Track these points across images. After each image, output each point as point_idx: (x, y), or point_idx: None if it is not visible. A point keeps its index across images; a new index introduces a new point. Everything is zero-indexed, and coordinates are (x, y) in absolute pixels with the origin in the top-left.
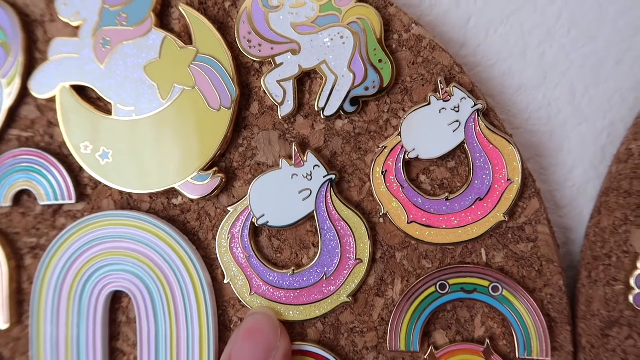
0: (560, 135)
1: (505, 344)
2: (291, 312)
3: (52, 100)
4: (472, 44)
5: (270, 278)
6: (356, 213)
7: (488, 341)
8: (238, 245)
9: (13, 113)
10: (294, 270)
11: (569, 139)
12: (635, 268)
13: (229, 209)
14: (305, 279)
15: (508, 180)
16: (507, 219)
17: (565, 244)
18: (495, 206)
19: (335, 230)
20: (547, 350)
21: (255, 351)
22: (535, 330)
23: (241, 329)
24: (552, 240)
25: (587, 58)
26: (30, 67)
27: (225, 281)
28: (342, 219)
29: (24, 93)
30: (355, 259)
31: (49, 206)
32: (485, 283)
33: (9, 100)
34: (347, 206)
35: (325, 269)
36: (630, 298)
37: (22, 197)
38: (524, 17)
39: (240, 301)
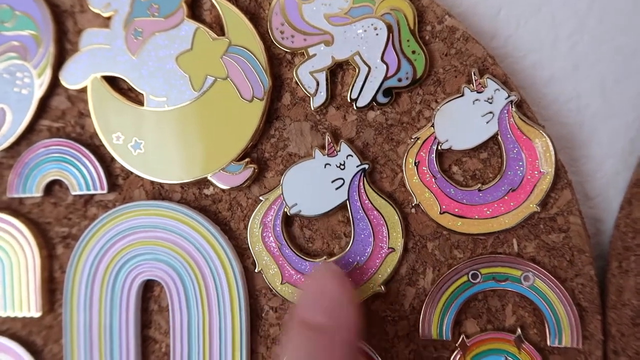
0: (590, 127)
1: (536, 333)
2: None
3: (83, 90)
4: (503, 35)
5: (302, 267)
6: (389, 202)
7: (519, 330)
8: (270, 235)
9: (44, 103)
10: (325, 259)
11: (598, 131)
12: None
13: (261, 198)
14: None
15: (541, 171)
16: (539, 210)
17: (594, 234)
18: (528, 197)
19: (368, 219)
20: (578, 338)
21: (323, 303)
22: (567, 319)
23: (306, 285)
24: (584, 230)
25: (618, 50)
26: (61, 57)
27: (257, 270)
28: (375, 208)
29: (54, 84)
30: (388, 248)
31: (81, 196)
32: (517, 272)
33: (40, 91)
34: (380, 195)
35: (358, 257)
36: None
37: (53, 187)
38: (555, 8)
39: (272, 290)
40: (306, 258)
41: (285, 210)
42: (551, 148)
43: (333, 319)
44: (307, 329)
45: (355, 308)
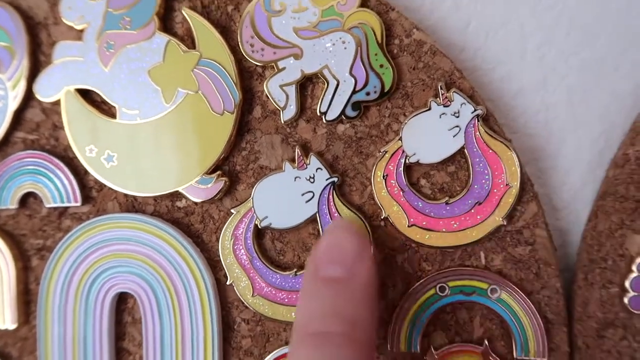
0: (558, 139)
1: (503, 345)
2: (293, 314)
3: (57, 103)
4: (472, 47)
5: (273, 280)
6: (358, 215)
7: (486, 342)
8: (241, 247)
9: (18, 116)
10: (296, 272)
11: (566, 143)
12: (630, 271)
13: (232, 210)
14: None
15: (507, 184)
16: (505, 223)
17: (561, 246)
18: (494, 210)
19: None
20: (544, 351)
21: (341, 257)
22: (533, 331)
23: (321, 242)
24: (550, 243)
25: (585, 63)
26: (35, 70)
27: (228, 282)
28: None
29: (29, 96)
30: None
31: (55, 208)
32: (484, 285)
33: (14, 103)
34: (349, 208)
35: None
36: (625, 300)
37: (28, 200)
38: (524, 20)
39: (244, 302)
40: (277, 271)
41: (257, 222)
42: (516, 162)
43: (350, 271)
44: (323, 281)
45: (373, 262)
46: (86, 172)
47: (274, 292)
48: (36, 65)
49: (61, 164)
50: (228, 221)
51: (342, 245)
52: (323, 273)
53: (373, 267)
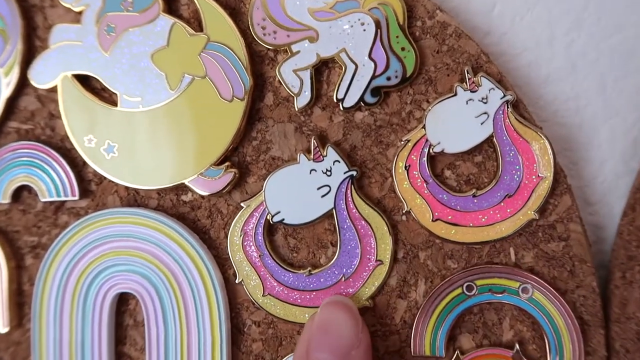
0: (590, 129)
1: (534, 348)
2: (306, 315)
3: (54, 90)
4: (497, 32)
5: (285, 278)
6: (378, 212)
7: (517, 345)
8: (251, 243)
9: (12, 104)
10: (310, 270)
11: (598, 133)
12: None
13: (242, 204)
14: (322, 280)
15: (539, 175)
16: (537, 217)
17: (595, 242)
18: (526, 203)
19: (355, 229)
20: (580, 354)
21: (335, 343)
22: (568, 333)
23: (317, 320)
24: (585, 239)
25: (616, 48)
26: (29, 55)
27: (237, 281)
28: (363, 217)
29: (23, 83)
30: (376, 261)
31: (51, 203)
32: (515, 284)
33: (7, 91)
34: (368, 204)
35: (344, 270)
36: None
37: (22, 194)
38: (551, 4)
39: (254, 303)
40: (289, 269)
41: (268, 218)
42: (549, 151)
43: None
44: None
45: (368, 347)
46: (84, 164)
47: (285, 291)
48: (31, 50)
49: (57, 156)
50: (237, 216)
51: (338, 329)
52: (315, 358)
53: (368, 352)
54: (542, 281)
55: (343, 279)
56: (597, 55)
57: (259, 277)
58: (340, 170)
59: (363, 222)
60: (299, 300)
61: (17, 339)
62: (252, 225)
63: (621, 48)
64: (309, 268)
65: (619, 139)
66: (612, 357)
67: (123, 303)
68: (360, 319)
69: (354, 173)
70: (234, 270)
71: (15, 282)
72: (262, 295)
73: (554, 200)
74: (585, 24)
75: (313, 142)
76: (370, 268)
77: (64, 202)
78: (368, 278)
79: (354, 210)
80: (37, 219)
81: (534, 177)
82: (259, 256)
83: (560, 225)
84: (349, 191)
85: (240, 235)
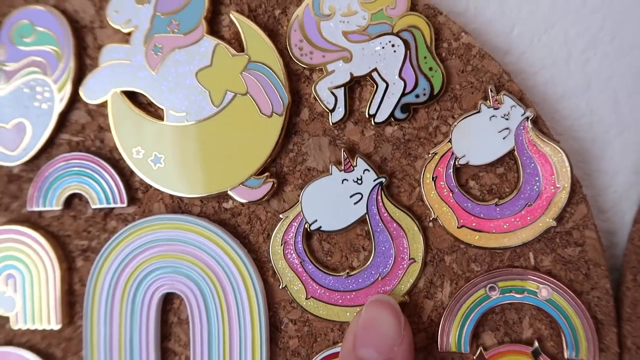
0: (603, 142)
1: (552, 345)
2: (348, 313)
3: (102, 105)
4: (516, 51)
5: (326, 282)
6: (408, 214)
7: (537, 342)
8: (292, 251)
9: (64, 118)
10: (348, 272)
11: (611, 146)
12: None
13: (281, 216)
14: (360, 280)
15: (557, 186)
16: (555, 224)
17: (608, 247)
18: (545, 211)
19: (388, 231)
20: (595, 351)
21: (379, 340)
22: (584, 331)
23: (362, 318)
24: (599, 244)
25: (629, 66)
26: (80, 72)
27: (281, 286)
28: (394, 220)
29: (74, 98)
30: (409, 259)
31: (100, 209)
32: (534, 286)
33: (60, 105)
34: (398, 207)
35: (380, 269)
36: None
37: (73, 201)
38: (568, 25)
39: (291, 302)
40: (329, 272)
41: (306, 226)
42: (567, 163)
43: (390, 356)
44: None
45: (410, 344)
46: (132, 173)
47: (327, 293)
48: (82, 68)
49: (107, 165)
50: (277, 226)
51: (382, 326)
52: (361, 354)
53: (411, 347)
54: (559, 283)
55: (380, 278)
56: (611, 74)
57: (301, 281)
58: (370, 178)
59: (395, 225)
60: (340, 301)
61: (69, 335)
62: (291, 235)
63: (633, 67)
64: (347, 270)
65: (630, 152)
66: (624, 354)
67: (168, 302)
68: (403, 317)
69: (383, 180)
70: (272, 273)
71: (67, 283)
72: (306, 299)
73: (570, 209)
74: (599, 44)
75: (343, 154)
76: (405, 266)
77: (112, 208)
78: (403, 276)
79: (386, 214)
80: (87, 224)
81: (552, 187)
82: (300, 262)
83: (576, 232)
84: (379, 197)
85: (281, 245)
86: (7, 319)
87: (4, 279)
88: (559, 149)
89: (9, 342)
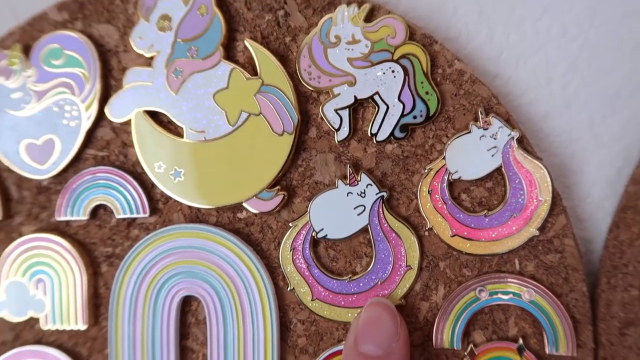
0: (581, 158)
1: (535, 342)
2: (349, 314)
3: (126, 123)
4: (504, 75)
5: (330, 285)
6: (406, 225)
7: (521, 340)
8: (300, 257)
9: (90, 134)
10: (350, 277)
11: (588, 161)
12: None
13: (290, 224)
14: (361, 284)
15: (539, 199)
16: (538, 233)
17: (585, 253)
18: (528, 222)
19: (388, 240)
20: (572, 347)
21: (379, 337)
22: (563, 330)
23: (362, 317)
24: (577, 251)
25: (605, 89)
26: (106, 93)
27: (289, 289)
28: (393, 230)
29: (100, 117)
30: (406, 266)
31: (124, 219)
32: (519, 289)
33: (87, 123)
34: (397, 219)
35: (380, 275)
36: None
37: (98, 211)
38: (550, 50)
39: (300, 304)
40: (333, 277)
41: (313, 234)
42: (548, 179)
43: (387, 351)
44: (362, 357)
45: (407, 339)
46: (153, 185)
47: (331, 296)
48: (107, 88)
49: (131, 179)
50: (287, 234)
51: (380, 324)
52: (362, 349)
53: (407, 343)
54: (541, 286)
55: (379, 282)
56: (588, 96)
57: (308, 284)
58: (373, 192)
59: (394, 235)
60: (343, 303)
61: (94, 335)
62: (300, 242)
63: (608, 90)
64: (349, 275)
65: (605, 167)
66: (599, 349)
67: (186, 304)
68: (399, 316)
69: (384, 194)
70: (283, 277)
71: (93, 287)
72: (311, 300)
73: (551, 220)
74: (578, 69)
75: (348, 170)
76: (402, 273)
77: (135, 218)
78: (400, 281)
79: (386, 225)
80: (112, 233)
81: (535, 200)
82: (307, 267)
83: (556, 240)
84: (380, 209)
85: (290, 251)
86: (37, 320)
87: (35, 283)
88: (541, 165)
89: (38, 342)
